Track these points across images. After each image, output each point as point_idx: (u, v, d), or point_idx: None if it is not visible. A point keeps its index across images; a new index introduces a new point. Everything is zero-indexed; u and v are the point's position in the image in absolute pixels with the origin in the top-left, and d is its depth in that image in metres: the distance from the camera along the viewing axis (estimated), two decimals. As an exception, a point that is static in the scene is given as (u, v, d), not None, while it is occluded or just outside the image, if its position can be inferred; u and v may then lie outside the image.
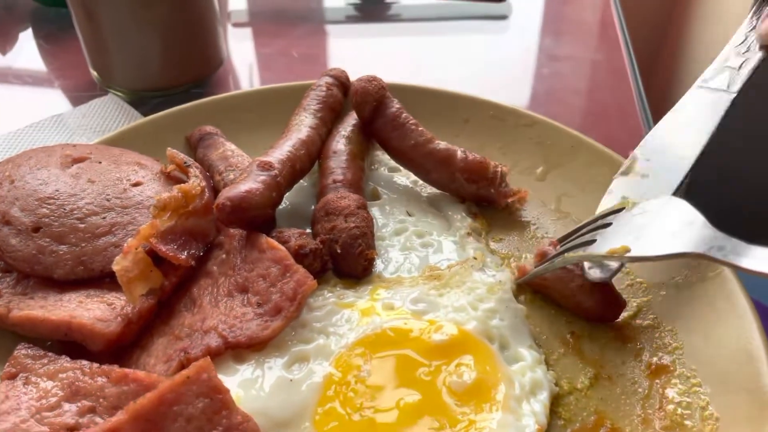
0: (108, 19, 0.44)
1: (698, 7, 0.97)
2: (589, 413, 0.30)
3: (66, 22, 0.55)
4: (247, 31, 0.67)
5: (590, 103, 0.48)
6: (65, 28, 0.57)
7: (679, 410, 0.29)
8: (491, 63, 0.46)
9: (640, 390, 0.30)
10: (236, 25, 0.68)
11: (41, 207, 0.29)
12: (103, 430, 0.23)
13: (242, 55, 0.57)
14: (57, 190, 0.30)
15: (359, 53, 0.58)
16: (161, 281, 0.29)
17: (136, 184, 0.32)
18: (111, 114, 0.43)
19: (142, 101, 0.46)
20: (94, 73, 0.48)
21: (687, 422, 0.29)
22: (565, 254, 0.33)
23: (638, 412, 0.29)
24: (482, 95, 0.42)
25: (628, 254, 0.29)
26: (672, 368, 0.31)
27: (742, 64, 0.39)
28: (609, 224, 0.31)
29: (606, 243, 0.29)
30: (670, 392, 0.30)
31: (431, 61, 0.55)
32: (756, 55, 0.39)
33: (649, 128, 0.46)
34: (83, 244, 0.30)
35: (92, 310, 0.27)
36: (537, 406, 0.28)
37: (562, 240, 0.35)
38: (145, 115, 0.44)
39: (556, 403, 0.30)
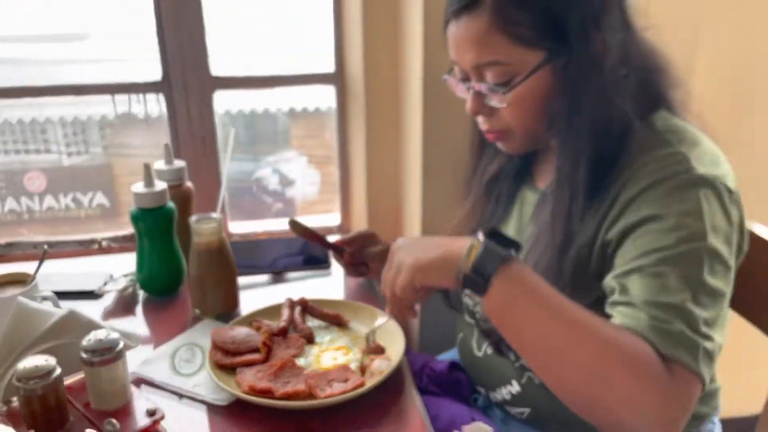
0: (209, 281, 1.02)
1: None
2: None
3: (167, 297, 1.23)
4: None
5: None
6: (165, 300, 1.23)
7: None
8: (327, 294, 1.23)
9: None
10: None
11: (232, 338, 1.00)
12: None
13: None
14: (234, 334, 1.01)
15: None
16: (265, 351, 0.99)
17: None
18: (211, 327, 1.12)
19: (217, 319, 1.16)
20: (197, 311, 1.12)
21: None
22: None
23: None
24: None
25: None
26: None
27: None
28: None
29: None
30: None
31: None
32: None
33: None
34: (244, 344, 1.00)
35: (252, 356, 0.97)
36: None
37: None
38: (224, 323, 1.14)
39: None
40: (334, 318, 1.02)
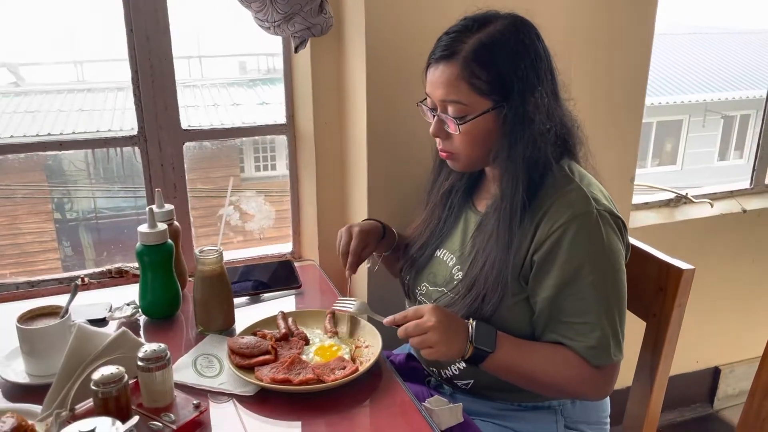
0: (213, 302, 1.23)
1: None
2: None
3: (165, 320, 1.42)
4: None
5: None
6: (167, 321, 1.42)
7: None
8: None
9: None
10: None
11: (246, 344, 1.23)
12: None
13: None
14: (246, 341, 1.22)
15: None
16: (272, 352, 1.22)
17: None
18: (217, 340, 1.34)
19: (219, 334, 1.37)
20: (200, 327, 1.34)
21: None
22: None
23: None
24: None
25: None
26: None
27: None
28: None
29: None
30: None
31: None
32: None
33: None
34: (256, 348, 1.23)
35: (265, 357, 1.20)
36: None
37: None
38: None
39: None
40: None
